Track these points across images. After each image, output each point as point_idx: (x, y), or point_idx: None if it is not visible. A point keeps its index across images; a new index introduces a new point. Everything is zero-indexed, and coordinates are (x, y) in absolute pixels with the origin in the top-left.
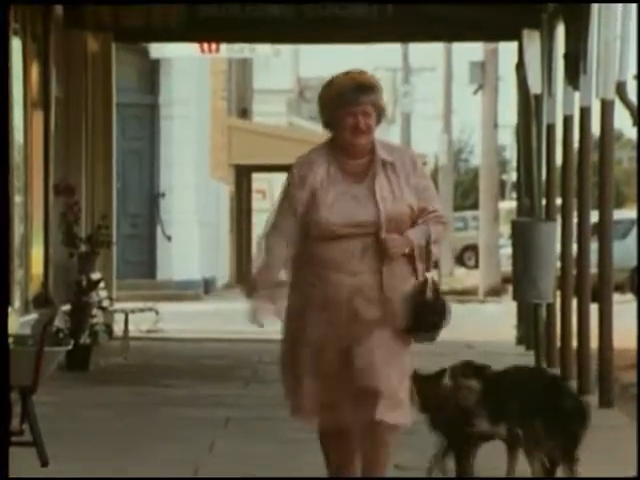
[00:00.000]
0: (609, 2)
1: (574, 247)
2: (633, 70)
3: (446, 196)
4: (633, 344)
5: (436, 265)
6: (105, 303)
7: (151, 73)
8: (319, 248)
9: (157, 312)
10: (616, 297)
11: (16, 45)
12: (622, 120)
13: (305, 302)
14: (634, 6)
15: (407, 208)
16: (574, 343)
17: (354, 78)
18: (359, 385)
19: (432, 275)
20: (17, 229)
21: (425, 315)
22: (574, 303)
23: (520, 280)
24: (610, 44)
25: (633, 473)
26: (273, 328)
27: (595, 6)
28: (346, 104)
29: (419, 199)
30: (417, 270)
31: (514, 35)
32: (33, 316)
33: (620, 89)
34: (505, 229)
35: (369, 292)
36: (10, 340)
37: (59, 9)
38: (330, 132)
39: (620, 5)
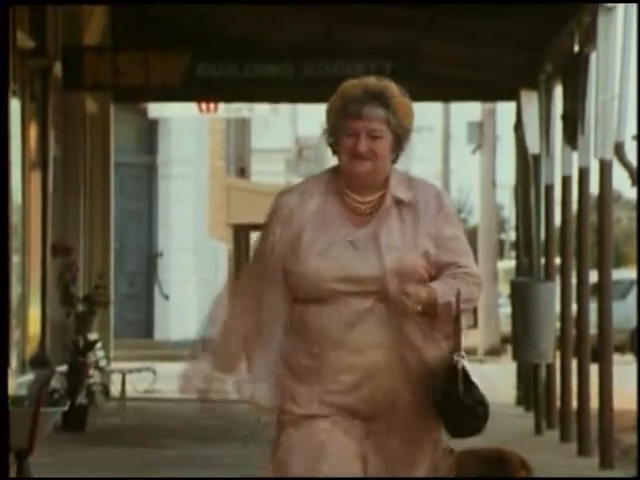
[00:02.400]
0: (609, 2)
1: (573, 307)
2: (632, 131)
3: None
4: (633, 405)
5: None
6: (102, 363)
7: (149, 133)
8: (307, 313)
9: (154, 372)
10: (616, 358)
11: (15, 105)
12: (621, 180)
13: (303, 397)
14: (633, 66)
15: (423, 262)
16: (574, 404)
17: (365, 84)
18: None
19: (462, 358)
20: (14, 289)
21: (459, 419)
22: (574, 363)
23: (520, 340)
24: (608, 104)
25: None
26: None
27: (593, 67)
28: (347, 117)
29: (444, 250)
30: (443, 343)
31: (512, 95)
32: (30, 377)
33: (618, 150)
34: (504, 288)
35: (383, 377)
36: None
37: (58, 69)
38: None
39: (618, 65)
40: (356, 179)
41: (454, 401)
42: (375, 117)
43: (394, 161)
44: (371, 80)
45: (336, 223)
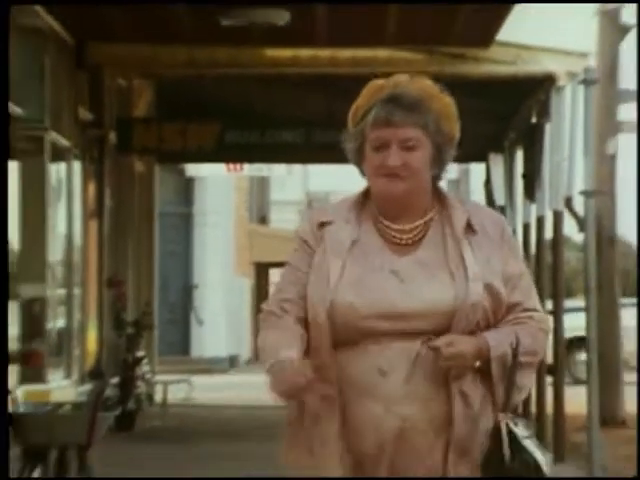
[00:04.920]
0: (608, 2)
1: None
2: (579, 187)
3: None
4: (581, 410)
5: None
6: (147, 376)
7: (186, 188)
8: (335, 355)
9: (190, 383)
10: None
11: (77, 167)
12: (570, 227)
13: (321, 457)
14: (580, 134)
15: (488, 299)
16: (533, 409)
17: (394, 82)
18: None
19: (511, 420)
20: (76, 315)
21: None
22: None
23: None
24: (559, 166)
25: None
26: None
27: (547, 135)
28: (373, 124)
29: (509, 289)
30: (496, 402)
31: (483, 158)
32: (88, 387)
33: (568, 202)
34: None
35: (422, 438)
36: (69, 406)
37: (112, 137)
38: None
39: (567, 134)
40: (389, 203)
41: (499, 468)
42: (409, 122)
43: (437, 178)
44: (402, 77)
45: (375, 250)
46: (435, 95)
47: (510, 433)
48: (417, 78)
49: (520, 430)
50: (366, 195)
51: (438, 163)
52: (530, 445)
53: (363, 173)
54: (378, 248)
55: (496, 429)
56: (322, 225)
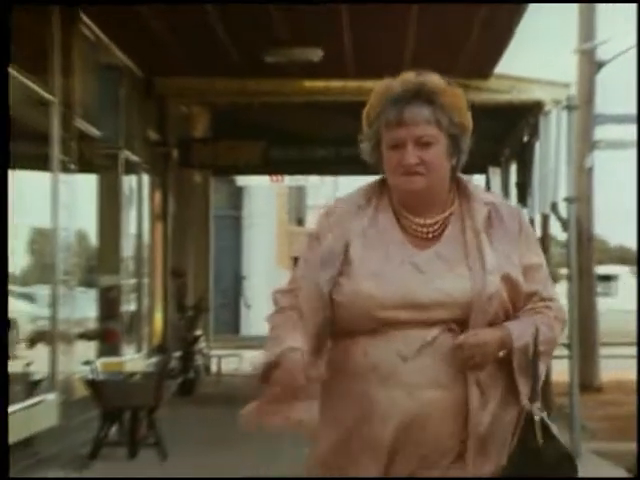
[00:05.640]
0: (608, 2)
1: None
2: (563, 194)
3: None
4: (564, 378)
5: None
6: (204, 350)
7: (237, 196)
8: (356, 343)
9: (240, 357)
10: None
11: (145, 179)
12: (555, 228)
13: (343, 443)
14: (563, 150)
15: (506, 289)
16: None
17: (402, 80)
18: None
19: (539, 409)
20: (144, 301)
21: (540, 475)
22: None
23: None
24: (546, 177)
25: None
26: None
27: (536, 151)
28: (388, 125)
29: (527, 280)
30: (520, 392)
31: (483, 170)
32: (155, 359)
33: (554, 207)
34: None
35: (441, 425)
36: (139, 375)
37: (175, 154)
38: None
39: (553, 150)
40: (410, 199)
41: (532, 458)
42: (421, 119)
43: (455, 169)
44: (409, 75)
45: (394, 242)
46: (444, 89)
47: (542, 422)
48: (424, 74)
49: (547, 418)
50: (383, 183)
51: (455, 154)
52: (556, 432)
53: (378, 170)
54: (399, 240)
55: (527, 419)
56: (331, 214)
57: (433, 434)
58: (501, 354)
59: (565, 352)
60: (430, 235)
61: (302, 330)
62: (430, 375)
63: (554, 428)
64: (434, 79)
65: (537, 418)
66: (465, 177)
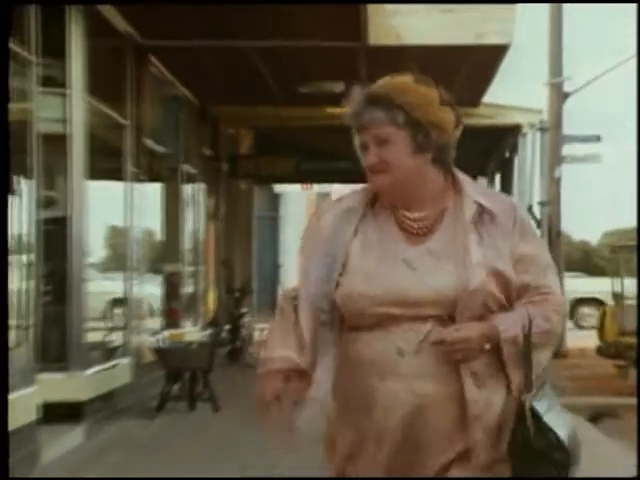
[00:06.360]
0: (608, 2)
1: None
2: (537, 199)
3: None
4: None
5: None
6: (248, 324)
7: (274, 200)
8: (358, 341)
9: None
10: None
11: (201, 187)
12: None
13: (355, 435)
14: (537, 163)
15: (495, 283)
16: None
17: (367, 89)
18: None
19: (530, 398)
20: (200, 284)
21: (530, 466)
22: None
23: None
24: (523, 184)
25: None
26: None
27: (515, 165)
28: (356, 130)
29: (519, 272)
30: (512, 382)
31: (473, 179)
32: (209, 331)
33: (529, 209)
34: None
35: (441, 417)
36: (196, 344)
37: (225, 167)
38: None
39: (529, 164)
40: (387, 196)
41: (523, 446)
42: (377, 120)
43: (437, 161)
44: (376, 84)
45: (387, 240)
46: (406, 89)
47: (532, 411)
48: (394, 77)
49: (542, 406)
50: None
51: (427, 150)
52: (552, 420)
53: None
54: (393, 237)
55: (519, 409)
56: (325, 215)
57: (434, 426)
58: (487, 347)
59: None
60: (421, 230)
61: (292, 340)
62: (427, 369)
63: (556, 417)
64: (399, 81)
65: (528, 407)
66: (461, 174)
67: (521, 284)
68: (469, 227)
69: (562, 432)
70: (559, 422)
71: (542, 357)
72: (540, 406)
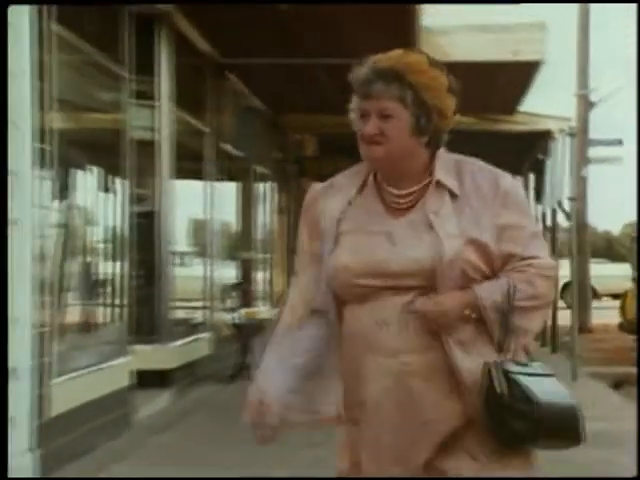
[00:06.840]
0: (607, 2)
1: None
2: (566, 195)
3: None
4: (567, 322)
5: None
6: None
7: None
8: (348, 314)
9: None
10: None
11: (272, 186)
12: (561, 218)
13: (355, 411)
14: (566, 164)
15: (475, 256)
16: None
17: (376, 60)
18: None
19: (506, 359)
20: (271, 270)
21: (502, 421)
22: None
23: None
24: (555, 183)
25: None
26: None
27: (548, 166)
28: (359, 96)
29: (501, 241)
30: (503, 347)
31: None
32: (277, 310)
33: (560, 204)
34: None
35: (425, 385)
36: (266, 321)
37: (293, 168)
38: None
39: (559, 163)
40: (377, 168)
41: (493, 403)
42: (385, 94)
43: (430, 145)
44: (384, 55)
45: (370, 216)
46: (419, 69)
47: (504, 371)
48: (408, 53)
49: (516, 367)
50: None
51: (426, 133)
52: (530, 381)
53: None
54: (377, 213)
55: (488, 367)
56: (316, 200)
57: (417, 393)
58: (467, 312)
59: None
60: (405, 206)
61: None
62: (409, 339)
63: (540, 381)
64: (414, 59)
65: (498, 366)
66: (444, 151)
67: (506, 253)
68: (445, 199)
69: (537, 389)
70: (543, 386)
71: (530, 322)
72: (521, 369)
